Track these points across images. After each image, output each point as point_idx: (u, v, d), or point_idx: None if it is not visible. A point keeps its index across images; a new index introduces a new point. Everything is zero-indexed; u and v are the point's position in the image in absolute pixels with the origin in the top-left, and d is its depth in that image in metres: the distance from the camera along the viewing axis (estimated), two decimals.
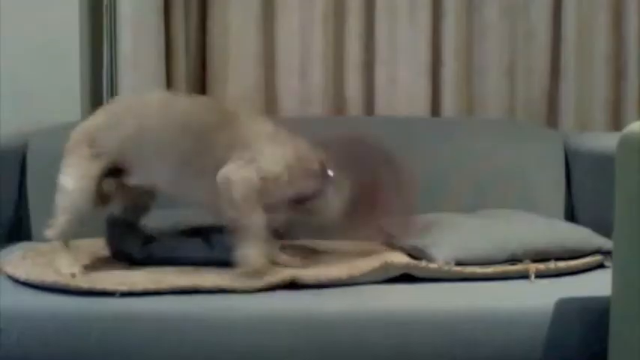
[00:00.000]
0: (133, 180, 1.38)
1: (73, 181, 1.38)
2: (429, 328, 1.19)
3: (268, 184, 1.27)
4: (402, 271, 1.31)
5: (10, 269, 1.36)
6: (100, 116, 1.43)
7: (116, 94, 1.99)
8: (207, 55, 2.08)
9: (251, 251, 1.26)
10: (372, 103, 2.08)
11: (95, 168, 1.38)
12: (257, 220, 1.26)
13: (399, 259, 1.35)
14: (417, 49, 2.02)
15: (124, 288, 1.23)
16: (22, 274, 1.32)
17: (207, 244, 1.41)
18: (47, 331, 1.18)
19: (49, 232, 1.38)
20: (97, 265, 1.43)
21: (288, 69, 2.06)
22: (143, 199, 1.46)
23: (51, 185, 1.76)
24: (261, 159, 1.27)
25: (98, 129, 1.40)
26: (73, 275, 1.30)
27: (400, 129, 1.88)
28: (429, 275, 1.31)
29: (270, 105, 2.08)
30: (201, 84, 2.10)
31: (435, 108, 2.07)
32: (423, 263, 1.32)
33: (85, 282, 1.26)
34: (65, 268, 1.32)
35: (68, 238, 1.38)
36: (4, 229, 1.75)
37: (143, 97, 1.47)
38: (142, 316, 1.19)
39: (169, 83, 2.02)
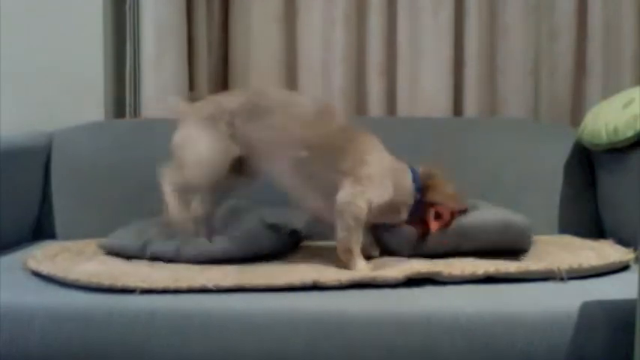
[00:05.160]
0: (254, 172, 1.47)
1: (212, 152, 1.43)
2: (451, 330, 1.18)
3: (372, 212, 1.41)
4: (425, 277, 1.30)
5: (34, 265, 1.38)
6: (239, 100, 1.47)
7: (139, 94, 2.01)
8: (229, 56, 2.09)
9: (356, 261, 1.39)
10: (393, 104, 2.07)
11: (234, 150, 1.44)
12: (358, 236, 1.41)
13: (423, 266, 1.33)
14: (439, 48, 2.01)
15: (145, 285, 1.24)
16: (45, 270, 1.34)
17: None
18: (69, 327, 1.20)
19: (168, 179, 1.43)
20: (117, 262, 1.44)
21: (310, 69, 2.06)
22: (232, 189, 1.54)
23: (75, 184, 1.79)
24: (373, 190, 1.41)
25: (238, 113, 1.45)
26: (192, 222, 1.39)
27: (422, 129, 1.87)
28: (452, 280, 1.30)
29: None
30: (223, 84, 2.11)
31: (458, 108, 2.06)
32: (446, 272, 1.30)
33: (106, 279, 1.27)
34: (179, 216, 1.41)
35: (182, 195, 1.44)
36: (29, 228, 1.78)
37: (289, 93, 1.56)
38: (162, 314, 1.20)
39: (192, 83, 2.03)
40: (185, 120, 1.47)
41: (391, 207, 1.44)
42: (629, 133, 1.52)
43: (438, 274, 1.29)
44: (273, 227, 1.48)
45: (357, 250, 1.39)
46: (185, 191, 1.46)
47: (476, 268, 1.32)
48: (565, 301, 1.21)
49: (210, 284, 1.25)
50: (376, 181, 1.41)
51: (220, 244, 1.44)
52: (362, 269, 1.37)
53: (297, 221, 1.52)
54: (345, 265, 1.38)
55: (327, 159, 1.42)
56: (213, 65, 2.08)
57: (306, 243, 1.58)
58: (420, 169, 1.49)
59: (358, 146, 1.43)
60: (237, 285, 1.25)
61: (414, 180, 1.47)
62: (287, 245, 1.52)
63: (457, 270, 1.31)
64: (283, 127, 1.43)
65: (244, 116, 1.44)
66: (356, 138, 1.44)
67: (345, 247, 1.39)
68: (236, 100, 1.47)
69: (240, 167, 1.48)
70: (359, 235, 1.40)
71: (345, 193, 1.39)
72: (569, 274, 1.31)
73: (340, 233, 1.39)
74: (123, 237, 1.52)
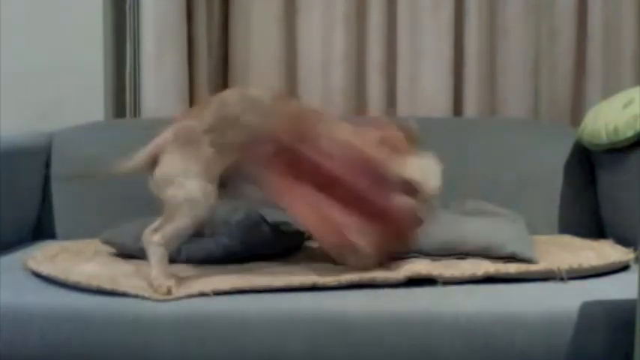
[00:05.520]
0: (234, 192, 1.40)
1: (204, 191, 1.32)
2: (451, 330, 1.18)
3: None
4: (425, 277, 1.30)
5: (34, 266, 1.38)
6: (207, 118, 1.38)
7: (139, 94, 2.01)
8: (229, 56, 2.09)
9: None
10: (393, 103, 2.07)
11: (220, 168, 1.35)
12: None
13: (423, 267, 1.33)
14: (439, 48, 2.01)
15: (146, 295, 1.23)
16: (45, 271, 1.34)
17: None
18: (69, 328, 1.20)
19: (155, 237, 1.30)
20: (118, 263, 1.44)
21: (310, 69, 2.06)
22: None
23: (75, 184, 1.79)
24: None
25: (212, 130, 1.36)
26: (169, 290, 1.24)
27: (422, 130, 1.86)
28: (453, 280, 1.30)
29: None
30: (223, 84, 2.11)
31: (458, 108, 2.06)
32: (447, 274, 1.30)
33: (107, 282, 1.27)
34: (160, 281, 1.26)
35: (171, 249, 1.33)
36: (29, 228, 1.78)
37: (243, 90, 1.47)
38: (162, 315, 1.20)
39: (192, 83, 2.03)
40: (165, 154, 1.36)
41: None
42: (629, 133, 1.52)
43: (439, 276, 1.29)
44: (275, 227, 1.48)
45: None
46: (176, 242, 1.35)
47: (476, 269, 1.32)
48: (565, 301, 1.21)
49: (207, 289, 1.24)
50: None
51: (221, 243, 1.44)
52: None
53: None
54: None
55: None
56: (213, 65, 2.08)
57: (306, 243, 1.58)
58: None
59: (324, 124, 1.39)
60: (236, 288, 1.25)
61: None
62: (289, 245, 1.51)
63: (458, 271, 1.30)
64: (254, 123, 1.37)
65: (219, 131, 1.37)
66: (313, 116, 1.40)
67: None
68: (205, 119, 1.38)
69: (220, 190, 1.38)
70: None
71: None
72: (569, 274, 1.31)
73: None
74: (124, 236, 1.51)
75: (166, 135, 1.39)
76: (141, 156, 1.39)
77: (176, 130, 1.39)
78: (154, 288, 1.25)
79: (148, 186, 1.40)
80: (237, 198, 1.42)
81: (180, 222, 1.31)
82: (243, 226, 1.45)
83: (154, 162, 1.37)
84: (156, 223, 1.33)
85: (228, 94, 1.43)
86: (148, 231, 1.33)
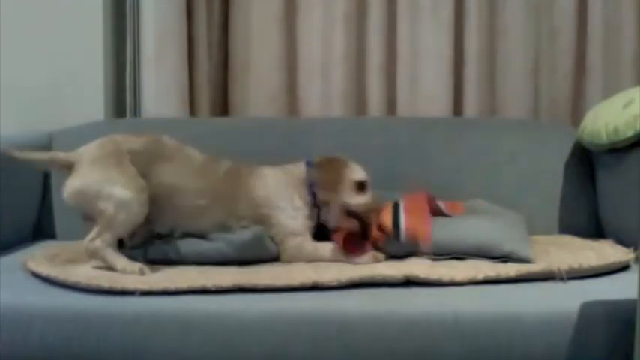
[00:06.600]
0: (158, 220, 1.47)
1: (131, 192, 1.39)
2: (451, 330, 1.18)
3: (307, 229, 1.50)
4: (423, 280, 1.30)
5: (34, 266, 1.38)
6: (138, 141, 1.47)
7: (139, 94, 2.01)
8: (229, 56, 2.09)
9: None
10: (393, 104, 2.07)
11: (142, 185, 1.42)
12: (326, 250, 1.47)
13: (423, 270, 1.33)
14: (439, 48, 2.01)
15: (145, 287, 1.24)
16: (45, 271, 1.34)
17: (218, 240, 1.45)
18: (69, 328, 1.20)
19: (97, 242, 1.38)
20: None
21: (310, 70, 2.06)
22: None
23: None
24: (282, 229, 1.48)
25: (139, 153, 1.45)
26: (142, 270, 1.34)
27: (422, 130, 1.87)
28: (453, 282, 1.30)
29: (291, 106, 2.08)
30: (223, 84, 2.11)
31: (458, 108, 2.06)
32: (446, 278, 1.30)
33: (105, 281, 1.27)
34: (130, 267, 1.35)
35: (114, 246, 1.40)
36: (29, 228, 1.78)
37: (179, 145, 1.53)
38: (162, 315, 1.20)
39: (192, 83, 2.03)
40: (80, 165, 1.42)
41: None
42: (629, 133, 1.52)
43: (438, 280, 1.29)
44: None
45: (336, 257, 1.44)
46: (114, 243, 1.41)
47: (476, 271, 1.31)
48: (565, 301, 1.20)
49: (209, 284, 1.25)
50: (283, 207, 1.48)
51: (219, 248, 1.44)
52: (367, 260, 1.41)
53: None
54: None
55: (224, 207, 1.47)
56: (213, 65, 2.08)
57: None
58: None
59: (245, 187, 1.50)
60: (237, 285, 1.25)
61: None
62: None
63: (458, 275, 1.30)
64: (179, 175, 1.46)
65: (146, 158, 1.45)
66: (240, 178, 1.50)
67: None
68: (136, 142, 1.46)
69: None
70: (324, 250, 1.45)
71: (281, 253, 1.46)
72: (569, 274, 1.31)
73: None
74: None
75: (91, 147, 1.45)
76: (60, 155, 1.46)
77: (102, 143, 1.46)
78: (128, 274, 1.33)
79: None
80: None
81: (118, 231, 1.39)
82: (242, 236, 1.46)
83: (69, 168, 1.43)
84: (92, 234, 1.39)
85: (166, 138, 1.51)
86: (87, 242, 1.39)
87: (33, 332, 1.19)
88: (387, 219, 1.47)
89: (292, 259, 1.45)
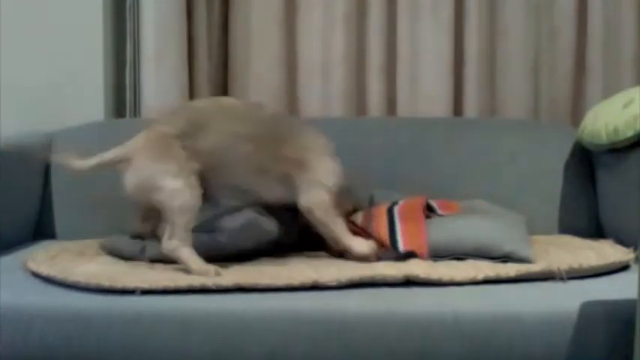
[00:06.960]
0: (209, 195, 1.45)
1: (180, 180, 1.40)
2: (451, 330, 1.18)
3: (334, 195, 1.48)
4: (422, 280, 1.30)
5: (34, 266, 1.38)
6: (178, 123, 1.46)
7: (139, 94, 2.01)
8: (229, 56, 2.09)
9: (353, 243, 1.45)
10: (393, 104, 2.07)
11: (193, 168, 1.43)
12: (341, 223, 1.47)
13: (422, 270, 1.32)
14: (439, 48, 2.01)
15: (145, 286, 1.24)
16: (45, 271, 1.34)
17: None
18: (69, 328, 1.20)
19: (173, 242, 1.37)
20: (117, 263, 1.44)
21: (310, 69, 2.06)
22: None
23: (75, 184, 1.79)
24: (323, 177, 1.48)
25: (184, 135, 1.44)
26: (217, 272, 1.33)
27: (422, 130, 1.87)
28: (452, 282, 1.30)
29: (291, 106, 2.08)
30: (223, 84, 2.11)
31: (458, 108, 2.06)
32: (446, 278, 1.30)
33: (105, 280, 1.27)
34: (205, 268, 1.34)
35: (190, 240, 1.39)
36: (29, 228, 1.78)
37: (215, 98, 1.57)
38: (162, 315, 1.20)
39: (192, 83, 2.03)
40: (137, 158, 1.42)
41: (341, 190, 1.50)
42: (629, 133, 1.52)
43: (438, 280, 1.29)
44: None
45: (345, 236, 1.45)
46: (189, 238, 1.39)
47: (476, 271, 1.31)
48: (565, 301, 1.20)
49: (210, 283, 1.25)
50: (323, 161, 1.49)
51: (220, 238, 1.44)
52: (363, 248, 1.43)
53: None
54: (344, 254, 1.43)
55: (270, 147, 1.47)
56: (214, 65, 2.08)
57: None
58: None
59: (293, 132, 1.51)
60: (237, 284, 1.25)
61: None
62: (285, 237, 1.50)
63: (458, 275, 1.30)
64: (224, 129, 1.45)
65: (191, 135, 1.45)
66: (288, 123, 1.53)
67: (334, 240, 1.46)
68: (176, 124, 1.46)
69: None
70: (338, 223, 1.46)
71: (303, 199, 1.46)
72: (569, 274, 1.31)
73: (322, 231, 1.46)
74: (121, 240, 1.52)
75: (138, 139, 1.45)
76: (108, 156, 1.45)
77: (148, 134, 1.45)
78: (204, 277, 1.31)
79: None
80: (215, 203, 1.48)
81: (182, 221, 1.38)
82: (241, 220, 1.46)
83: (122, 164, 1.43)
84: (167, 232, 1.39)
85: (200, 101, 1.50)
86: (164, 242, 1.38)
87: (33, 332, 1.19)
88: (382, 230, 1.48)
89: (309, 212, 1.45)
